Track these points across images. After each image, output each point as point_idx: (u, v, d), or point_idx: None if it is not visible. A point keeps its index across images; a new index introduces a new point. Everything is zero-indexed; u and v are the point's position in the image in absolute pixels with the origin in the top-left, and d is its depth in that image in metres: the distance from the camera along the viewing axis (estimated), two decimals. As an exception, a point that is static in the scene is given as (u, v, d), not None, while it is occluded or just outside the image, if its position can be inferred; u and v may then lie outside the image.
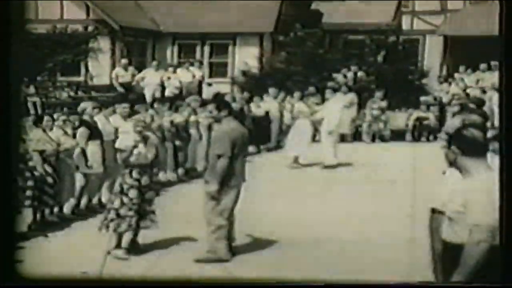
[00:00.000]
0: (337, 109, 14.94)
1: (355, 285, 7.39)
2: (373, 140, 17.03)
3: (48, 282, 7.36)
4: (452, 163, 5.34)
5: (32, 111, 15.75)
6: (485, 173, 5.26)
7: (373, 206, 10.77)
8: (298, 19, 18.93)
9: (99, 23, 18.37)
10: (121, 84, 17.85)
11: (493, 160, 6.30)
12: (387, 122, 17.24)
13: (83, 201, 10.92)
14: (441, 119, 17.32)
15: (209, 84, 18.59)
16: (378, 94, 17.07)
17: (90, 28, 18.45)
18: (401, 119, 17.42)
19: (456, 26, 18.36)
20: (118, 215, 8.77)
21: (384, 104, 17.16)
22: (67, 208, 10.65)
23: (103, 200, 11.28)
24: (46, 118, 10.48)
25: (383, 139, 17.07)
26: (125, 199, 8.77)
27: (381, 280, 7.33)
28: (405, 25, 19.02)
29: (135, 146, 8.84)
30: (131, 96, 17.08)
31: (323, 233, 9.33)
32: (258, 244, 9.12)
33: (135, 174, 8.82)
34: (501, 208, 5.32)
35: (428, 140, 17.10)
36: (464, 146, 5.26)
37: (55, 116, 10.94)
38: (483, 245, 5.09)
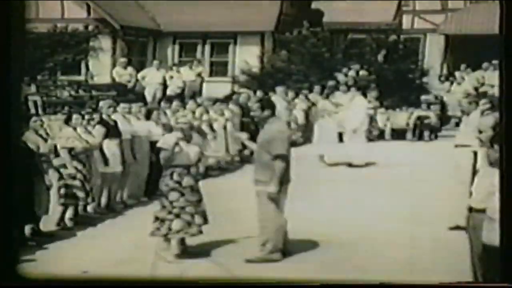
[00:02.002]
0: (362, 108, 14.85)
1: (355, 285, 7.39)
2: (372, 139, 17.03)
3: (48, 282, 7.36)
4: (493, 163, 5.24)
5: (32, 110, 15.77)
6: None
7: (372, 206, 10.76)
8: (298, 18, 18.94)
9: (99, 22, 18.38)
10: (121, 83, 17.88)
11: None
12: (385, 121, 17.24)
13: (103, 200, 10.89)
14: (442, 118, 17.33)
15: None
16: (373, 94, 17.00)
17: (90, 27, 18.45)
18: (402, 118, 17.41)
19: (457, 25, 18.35)
20: (156, 218, 8.46)
21: (377, 103, 17.10)
22: (94, 206, 10.63)
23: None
24: (75, 116, 10.46)
25: (381, 138, 17.07)
26: (166, 202, 8.42)
27: (381, 280, 7.32)
28: (405, 24, 19.02)
29: (177, 144, 8.42)
30: (130, 96, 17.10)
31: (322, 232, 9.32)
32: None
33: (176, 176, 8.44)
34: (501, 208, 5.30)
35: (429, 139, 17.09)
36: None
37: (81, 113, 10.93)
38: None
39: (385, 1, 18.99)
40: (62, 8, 18.31)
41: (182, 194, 8.41)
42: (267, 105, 8.58)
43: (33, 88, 16.53)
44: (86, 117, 10.83)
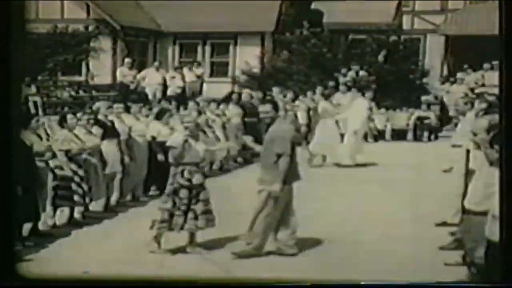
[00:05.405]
0: (363, 109, 14.91)
1: (355, 285, 7.39)
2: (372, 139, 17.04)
3: (48, 282, 7.37)
4: (493, 163, 5.28)
5: (33, 111, 15.77)
6: None
7: (373, 206, 10.77)
8: (298, 18, 18.95)
9: (100, 22, 18.38)
10: (125, 84, 17.89)
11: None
12: (384, 121, 17.25)
13: (102, 201, 10.89)
14: (442, 119, 17.33)
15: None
16: (368, 94, 16.96)
17: (91, 28, 18.46)
18: (402, 118, 17.42)
19: (457, 26, 18.36)
20: (171, 215, 8.68)
21: (372, 104, 17.07)
22: (94, 207, 10.63)
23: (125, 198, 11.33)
24: (69, 116, 10.44)
25: (377, 138, 17.07)
26: (176, 200, 8.68)
27: (381, 280, 7.33)
28: (405, 25, 19.02)
29: (186, 141, 8.66)
30: (133, 96, 17.11)
31: (323, 232, 9.33)
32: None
33: (186, 173, 8.68)
34: (501, 208, 5.31)
35: (429, 139, 17.09)
36: None
37: (78, 115, 10.91)
38: None
39: (385, 1, 19.00)
40: (62, 9, 18.31)
41: (191, 191, 8.67)
42: (275, 105, 8.85)
43: (33, 89, 16.55)
44: (84, 117, 10.83)
